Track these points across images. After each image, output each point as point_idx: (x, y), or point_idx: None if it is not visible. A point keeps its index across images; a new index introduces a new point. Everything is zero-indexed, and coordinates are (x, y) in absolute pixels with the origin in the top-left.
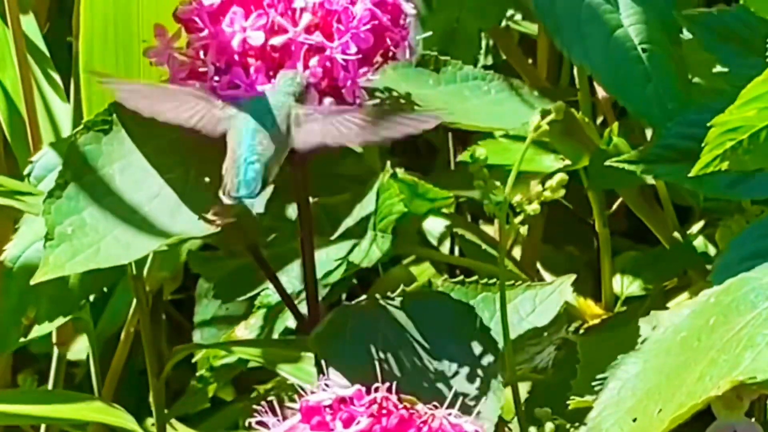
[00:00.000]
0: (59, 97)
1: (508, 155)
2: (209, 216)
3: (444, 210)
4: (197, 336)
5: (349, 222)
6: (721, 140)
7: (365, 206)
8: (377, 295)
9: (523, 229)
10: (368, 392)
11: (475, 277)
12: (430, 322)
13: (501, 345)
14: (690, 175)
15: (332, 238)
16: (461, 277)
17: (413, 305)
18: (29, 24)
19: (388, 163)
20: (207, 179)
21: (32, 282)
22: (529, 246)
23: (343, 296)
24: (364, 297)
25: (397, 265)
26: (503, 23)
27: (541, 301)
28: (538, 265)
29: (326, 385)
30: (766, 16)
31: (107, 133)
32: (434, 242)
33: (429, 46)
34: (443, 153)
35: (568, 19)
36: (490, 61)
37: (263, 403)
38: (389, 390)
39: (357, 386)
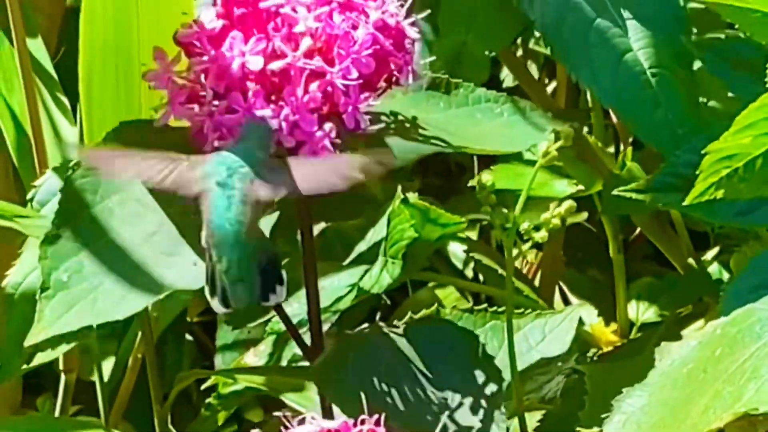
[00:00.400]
0: (67, 120)
1: (521, 180)
2: None
3: (462, 234)
4: (218, 360)
5: (361, 247)
6: (716, 168)
7: (378, 231)
8: (380, 324)
9: (531, 256)
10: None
11: (483, 305)
12: (434, 351)
13: (509, 374)
14: (684, 203)
15: (344, 263)
16: (470, 305)
17: (417, 333)
18: (38, 47)
19: (399, 188)
20: None
21: (26, 344)
22: (549, 270)
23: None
24: (366, 325)
25: (424, 287)
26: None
27: (551, 330)
28: (564, 287)
29: (312, 418)
30: (761, 40)
31: None
32: (459, 265)
33: (436, 70)
34: (469, 174)
35: (575, 42)
36: (511, 82)
37: None
38: (377, 423)
39: (342, 419)
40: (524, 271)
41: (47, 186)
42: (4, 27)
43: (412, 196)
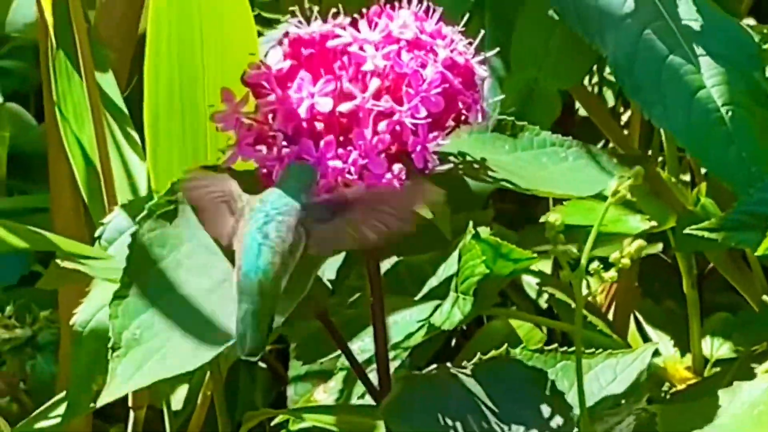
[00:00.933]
0: (137, 155)
1: (593, 215)
2: None
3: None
4: (291, 391)
5: (433, 282)
6: None
7: (450, 265)
8: (448, 364)
9: (601, 297)
10: None
11: (554, 345)
12: (502, 390)
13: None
14: (757, 253)
15: (416, 298)
16: (543, 335)
17: (485, 372)
18: (109, 82)
19: (471, 223)
20: None
21: (98, 404)
22: (624, 301)
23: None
24: (434, 366)
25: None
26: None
27: (622, 370)
28: (640, 318)
29: None
30: None
31: (173, 214)
32: (533, 294)
33: (507, 108)
34: (544, 202)
35: (648, 79)
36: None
37: None
38: None
39: None
40: (599, 301)
41: (115, 224)
42: (74, 62)
43: (484, 231)
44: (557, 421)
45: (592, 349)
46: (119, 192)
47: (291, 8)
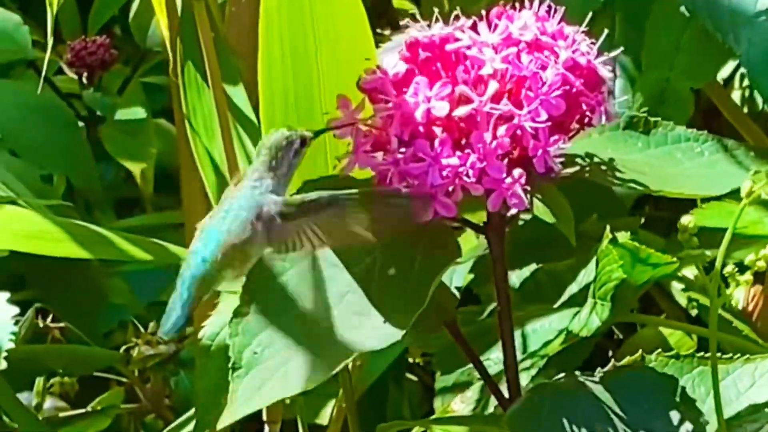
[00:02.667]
0: None
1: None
2: None
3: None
4: (437, 402)
5: (573, 288)
6: None
7: (589, 272)
8: (577, 372)
9: (734, 301)
10: None
11: (691, 350)
12: (631, 397)
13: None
14: None
15: (555, 305)
16: (693, 343)
17: (614, 381)
18: (238, 93)
19: (608, 227)
20: (393, 270)
21: (219, 426)
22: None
23: None
24: (562, 375)
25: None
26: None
27: (761, 375)
28: None
29: None
30: None
31: None
32: (682, 301)
33: (638, 108)
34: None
35: None
36: None
37: None
38: None
39: None
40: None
41: None
42: (204, 75)
43: (623, 236)
44: (687, 427)
45: (730, 354)
46: None
47: (411, 11)
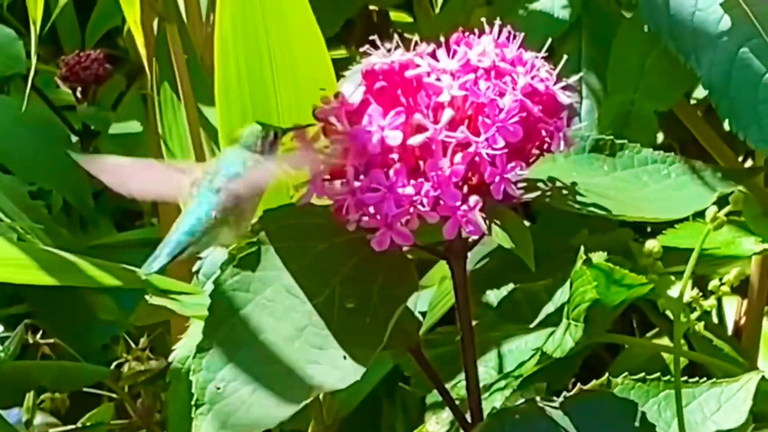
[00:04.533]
0: None
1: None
2: None
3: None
4: (427, 417)
5: (549, 308)
6: None
7: (565, 292)
8: (536, 398)
9: (699, 326)
10: None
11: (656, 374)
12: (591, 423)
13: None
14: None
15: (531, 325)
16: (642, 374)
17: (574, 406)
18: (214, 115)
19: (582, 248)
20: (351, 304)
21: None
22: (755, 321)
23: None
24: (522, 401)
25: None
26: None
27: (727, 399)
28: None
29: None
30: None
31: (256, 257)
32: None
33: (603, 131)
34: None
35: (743, 98)
36: None
37: None
38: None
39: None
40: (741, 317)
41: (212, 258)
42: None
43: (599, 256)
44: None
45: (696, 378)
46: None
47: (371, 37)
